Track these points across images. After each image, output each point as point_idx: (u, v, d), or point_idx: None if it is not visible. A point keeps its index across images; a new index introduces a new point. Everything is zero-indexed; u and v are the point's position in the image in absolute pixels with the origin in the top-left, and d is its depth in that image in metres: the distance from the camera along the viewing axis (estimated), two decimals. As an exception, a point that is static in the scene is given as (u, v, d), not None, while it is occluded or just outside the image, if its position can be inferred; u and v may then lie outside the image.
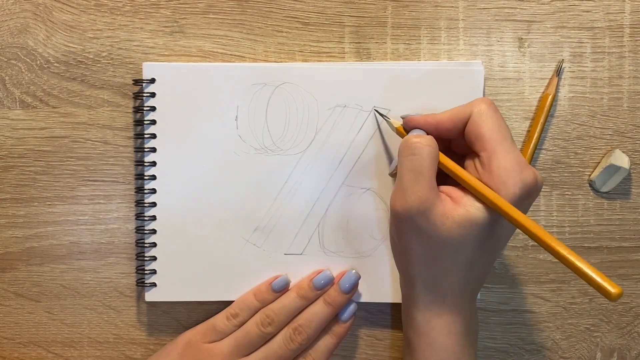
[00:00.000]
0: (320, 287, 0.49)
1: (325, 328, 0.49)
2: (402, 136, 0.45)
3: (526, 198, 0.40)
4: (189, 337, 0.49)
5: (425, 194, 0.40)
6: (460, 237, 0.40)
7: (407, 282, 0.44)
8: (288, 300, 0.49)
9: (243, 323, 0.49)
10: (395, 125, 0.46)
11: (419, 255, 0.42)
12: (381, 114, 0.48)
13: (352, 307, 0.50)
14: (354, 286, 0.49)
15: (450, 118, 0.43)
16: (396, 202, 0.41)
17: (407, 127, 0.45)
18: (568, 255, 0.36)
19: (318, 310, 0.48)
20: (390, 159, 0.49)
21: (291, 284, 0.50)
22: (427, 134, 0.43)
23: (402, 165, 0.41)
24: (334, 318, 0.50)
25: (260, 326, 0.48)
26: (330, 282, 0.49)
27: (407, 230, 0.41)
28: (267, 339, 0.48)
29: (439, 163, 0.42)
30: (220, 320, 0.49)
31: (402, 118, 0.45)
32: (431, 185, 0.40)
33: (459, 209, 0.40)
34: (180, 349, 0.49)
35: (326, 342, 0.49)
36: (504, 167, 0.39)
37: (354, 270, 0.49)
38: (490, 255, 0.43)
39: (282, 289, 0.49)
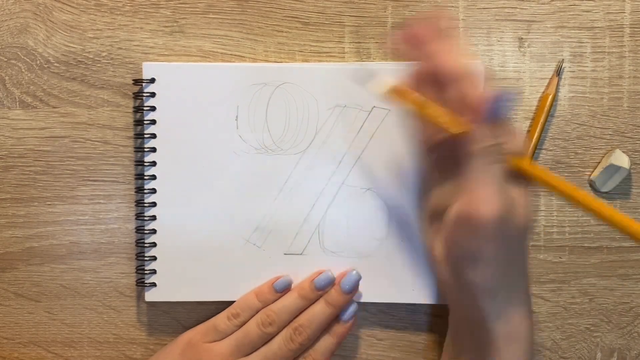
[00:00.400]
0: (321, 288, 0.49)
1: (326, 328, 0.49)
2: (392, 98, 0.43)
3: None
4: (189, 336, 0.49)
5: (509, 197, 0.40)
6: (525, 227, 0.41)
7: (484, 295, 0.42)
8: (289, 301, 0.49)
9: (244, 323, 0.49)
10: (387, 87, 0.43)
11: (501, 261, 0.40)
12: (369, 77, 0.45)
13: (353, 308, 0.50)
14: (355, 286, 0.49)
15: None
16: (484, 208, 0.38)
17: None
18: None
19: (319, 310, 0.48)
20: (390, 159, 0.49)
21: (293, 284, 0.50)
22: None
23: (487, 173, 0.39)
24: (335, 318, 0.50)
25: (261, 326, 0.48)
26: (331, 282, 0.49)
27: (493, 236, 0.39)
28: (267, 339, 0.48)
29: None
30: (221, 320, 0.49)
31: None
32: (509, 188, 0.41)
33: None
34: (180, 349, 0.49)
35: (327, 343, 0.49)
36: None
37: (355, 271, 0.49)
38: None
39: (284, 289, 0.49)
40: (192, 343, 0.49)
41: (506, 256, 0.41)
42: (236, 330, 0.49)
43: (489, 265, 0.40)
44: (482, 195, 0.39)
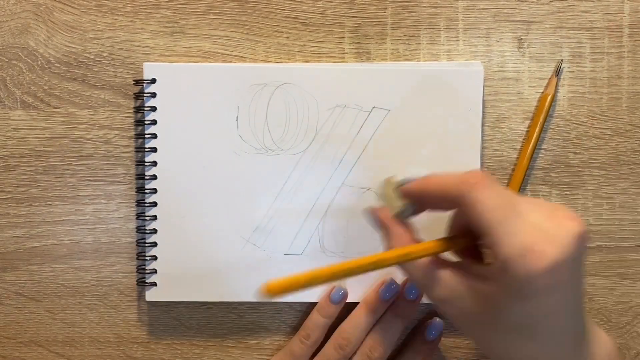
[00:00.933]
0: (387, 299, 0.49)
1: (412, 346, 0.50)
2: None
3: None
4: None
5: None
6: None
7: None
8: (358, 318, 0.49)
9: (317, 342, 0.49)
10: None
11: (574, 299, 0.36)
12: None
13: (437, 324, 0.50)
14: (420, 292, 0.49)
15: (443, 196, 0.38)
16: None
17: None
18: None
19: (387, 324, 0.49)
20: (390, 158, 0.49)
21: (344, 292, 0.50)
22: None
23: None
24: (420, 336, 0.50)
25: (339, 349, 0.48)
26: (396, 292, 0.49)
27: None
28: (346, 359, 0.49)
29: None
30: (295, 344, 0.49)
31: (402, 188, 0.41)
32: None
33: None
34: None
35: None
36: (518, 248, 0.34)
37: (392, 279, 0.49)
38: None
39: (340, 300, 0.49)
40: None
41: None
42: (311, 351, 0.49)
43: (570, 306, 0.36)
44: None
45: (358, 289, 0.50)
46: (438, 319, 0.50)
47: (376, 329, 0.49)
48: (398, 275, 0.49)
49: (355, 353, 0.49)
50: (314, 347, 0.49)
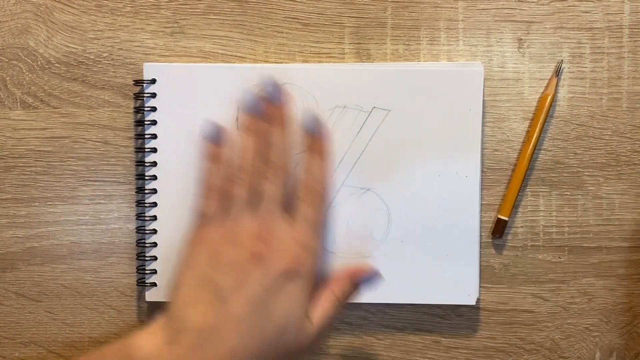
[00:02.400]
0: (262, 105, 0.45)
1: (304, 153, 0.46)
2: None
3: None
4: (195, 237, 0.44)
5: None
6: None
7: None
8: (243, 144, 0.45)
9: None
10: None
11: None
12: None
13: (313, 117, 0.47)
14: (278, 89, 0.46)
15: None
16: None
17: None
18: None
19: (277, 137, 0.45)
20: (390, 159, 0.49)
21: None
22: None
23: None
24: (306, 136, 0.47)
25: (230, 181, 0.44)
26: (275, 87, 0.46)
27: None
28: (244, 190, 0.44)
29: None
30: (203, 206, 0.45)
31: None
32: None
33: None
34: (202, 250, 0.44)
35: (315, 163, 0.46)
36: None
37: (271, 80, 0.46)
38: None
39: (217, 135, 0.46)
40: (205, 238, 0.44)
41: None
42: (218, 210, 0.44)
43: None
44: None
45: None
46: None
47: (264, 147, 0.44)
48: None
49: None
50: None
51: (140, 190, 0.50)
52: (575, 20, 0.50)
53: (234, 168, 0.44)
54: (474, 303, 0.50)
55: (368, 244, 0.50)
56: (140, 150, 0.50)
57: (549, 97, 0.49)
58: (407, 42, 0.50)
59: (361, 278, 0.46)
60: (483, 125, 0.50)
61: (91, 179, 0.51)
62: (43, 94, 0.51)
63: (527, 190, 0.51)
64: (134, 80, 0.50)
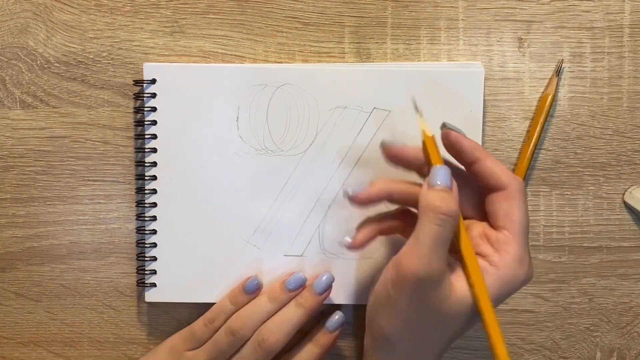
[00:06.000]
0: (292, 289, 0.48)
1: (310, 338, 0.49)
2: (430, 153, 0.41)
3: (516, 291, 0.40)
4: (171, 343, 0.49)
5: (441, 267, 0.38)
6: (457, 314, 0.39)
7: (381, 344, 0.42)
8: (258, 305, 0.48)
9: (219, 328, 0.48)
10: (428, 134, 0.41)
11: (409, 322, 0.40)
12: (417, 108, 0.42)
13: (339, 317, 0.49)
14: (328, 288, 0.48)
15: (489, 176, 0.41)
16: (408, 264, 0.38)
17: (452, 150, 0.42)
18: None
19: (289, 313, 0.47)
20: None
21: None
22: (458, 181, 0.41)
23: (424, 229, 0.38)
24: (321, 328, 0.49)
25: (230, 334, 0.47)
26: (302, 283, 0.48)
27: (409, 294, 0.39)
28: (238, 346, 0.47)
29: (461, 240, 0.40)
30: (198, 326, 0.49)
31: (446, 130, 0.42)
32: (445, 258, 0.39)
33: (464, 287, 0.39)
34: (164, 356, 0.49)
35: (309, 352, 0.49)
36: (520, 258, 0.39)
37: (328, 273, 0.48)
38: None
39: (254, 291, 0.48)
40: (174, 351, 0.49)
41: (417, 323, 0.40)
42: (211, 335, 0.48)
43: (398, 316, 0.40)
44: (412, 250, 0.38)
45: None
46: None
47: (275, 316, 0.47)
48: (307, 271, 0.49)
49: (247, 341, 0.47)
50: (216, 332, 0.48)
51: (140, 190, 0.50)
52: (575, 19, 0.50)
53: (237, 324, 0.47)
54: (474, 303, 0.50)
55: (369, 246, 0.50)
56: (140, 150, 0.50)
57: (550, 97, 0.49)
58: (407, 42, 0.50)
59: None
60: (483, 124, 0.50)
61: (91, 178, 0.51)
62: (42, 94, 0.51)
63: (528, 190, 0.51)
64: (133, 81, 0.50)
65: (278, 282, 0.48)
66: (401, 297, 0.39)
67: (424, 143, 0.41)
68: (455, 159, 0.42)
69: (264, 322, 0.47)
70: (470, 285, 0.39)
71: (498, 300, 0.39)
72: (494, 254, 0.40)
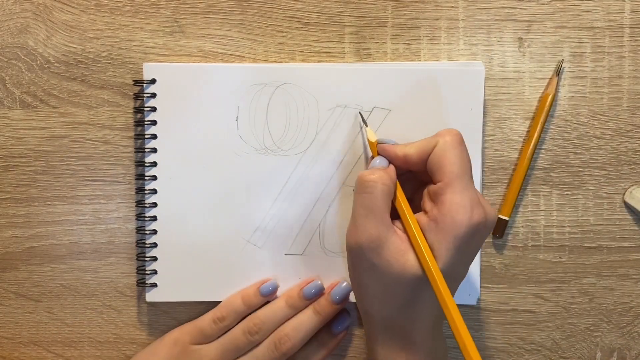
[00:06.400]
0: (310, 297, 0.48)
1: (316, 338, 0.49)
2: (373, 151, 0.46)
3: (473, 237, 0.39)
4: (175, 336, 0.50)
5: (377, 231, 0.40)
6: (403, 274, 0.40)
7: (364, 317, 0.44)
8: (276, 309, 0.48)
9: (229, 327, 0.49)
10: (372, 139, 0.46)
11: (374, 291, 0.41)
12: (364, 121, 0.48)
13: (345, 319, 0.50)
14: (345, 297, 0.49)
15: (418, 151, 0.42)
16: (349, 237, 0.41)
17: (379, 152, 0.45)
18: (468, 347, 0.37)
19: (306, 319, 0.48)
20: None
21: (282, 288, 0.50)
22: (395, 164, 0.44)
23: (355, 202, 0.41)
24: (326, 329, 0.50)
25: (247, 334, 0.48)
26: (320, 292, 0.49)
27: (360, 265, 0.41)
28: (252, 346, 0.48)
29: (397, 199, 0.42)
30: (207, 323, 0.49)
31: (378, 142, 0.46)
32: (383, 222, 0.40)
33: (407, 248, 0.40)
34: (167, 349, 0.49)
35: (315, 354, 0.49)
36: (456, 203, 0.39)
37: (345, 282, 0.49)
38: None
39: (270, 294, 0.49)
40: (178, 343, 0.49)
41: (378, 290, 0.41)
42: (220, 333, 0.49)
43: (362, 288, 0.42)
44: (351, 223, 0.42)
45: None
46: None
47: (292, 321, 0.48)
48: (327, 280, 0.49)
49: (263, 340, 0.48)
50: (225, 330, 0.49)
51: (140, 190, 0.50)
52: (576, 19, 0.50)
53: (256, 324, 0.48)
54: (474, 303, 0.50)
55: None
56: (140, 150, 0.50)
57: (550, 97, 0.49)
58: (407, 42, 0.50)
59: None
60: (484, 124, 0.50)
61: (90, 178, 0.51)
62: (42, 94, 0.51)
63: (528, 190, 0.51)
64: (133, 80, 0.50)
65: (296, 289, 0.49)
66: (356, 270, 0.42)
67: (371, 144, 0.46)
68: (408, 167, 0.44)
69: (280, 325, 0.48)
70: (414, 247, 0.40)
71: (456, 250, 0.39)
72: (433, 208, 0.40)
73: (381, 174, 0.41)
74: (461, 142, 0.41)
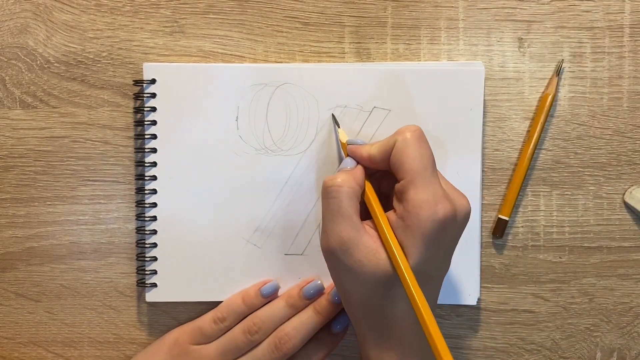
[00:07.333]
0: (310, 297, 0.49)
1: (316, 338, 0.49)
2: (344, 152, 0.46)
3: (442, 232, 0.39)
4: (175, 336, 0.50)
5: (346, 234, 0.40)
6: (374, 273, 0.40)
7: (352, 319, 0.44)
8: (276, 309, 0.48)
9: (229, 328, 0.49)
10: (343, 140, 0.47)
11: (353, 293, 0.41)
12: (337, 122, 0.48)
13: (345, 319, 0.50)
14: None
15: (379, 150, 0.42)
16: (322, 243, 0.42)
17: (348, 152, 0.45)
18: (439, 348, 0.37)
19: (306, 319, 0.48)
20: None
21: (282, 288, 0.50)
22: (363, 164, 0.44)
23: (323, 208, 0.42)
24: (325, 329, 0.49)
25: (247, 334, 0.48)
26: (320, 291, 0.49)
27: (335, 268, 0.42)
28: (253, 345, 0.48)
29: (367, 198, 0.42)
30: (207, 323, 0.49)
31: (347, 143, 0.46)
32: (352, 224, 0.40)
33: (378, 247, 0.40)
34: (167, 348, 0.49)
35: (315, 353, 0.49)
36: (418, 199, 0.39)
37: None
38: None
39: (270, 295, 0.49)
40: (178, 343, 0.49)
41: (359, 288, 0.41)
42: (220, 334, 0.49)
43: (343, 292, 0.43)
44: (322, 228, 0.42)
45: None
46: (345, 313, 0.48)
47: (292, 320, 0.48)
48: (327, 280, 0.49)
49: (263, 340, 0.48)
50: (225, 330, 0.49)
51: (140, 190, 0.50)
52: (575, 19, 0.50)
53: (256, 324, 0.48)
54: (474, 303, 0.50)
55: None
56: (140, 150, 0.50)
57: (550, 97, 0.49)
58: (407, 42, 0.50)
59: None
60: (484, 124, 0.50)
61: (91, 178, 0.51)
62: (42, 94, 0.51)
63: (528, 190, 0.51)
64: (133, 81, 0.50)
65: (296, 289, 0.49)
66: (334, 275, 0.42)
67: (342, 145, 0.47)
68: (374, 167, 0.44)
69: (281, 325, 0.48)
70: (383, 244, 0.40)
71: (426, 247, 0.39)
72: (399, 206, 0.40)
73: (344, 177, 0.42)
74: (420, 138, 0.41)
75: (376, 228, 0.41)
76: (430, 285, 0.41)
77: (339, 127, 0.48)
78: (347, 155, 0.45)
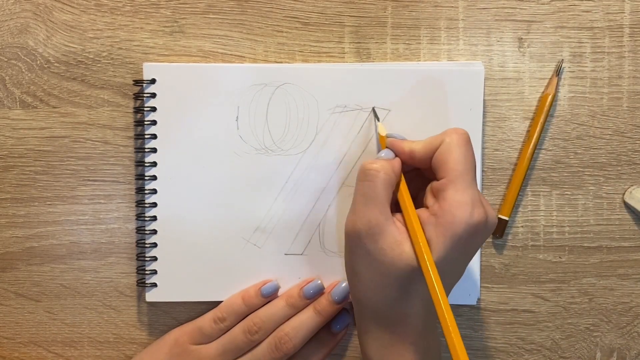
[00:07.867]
0: (310, 297, 0.49)
1: (316, 337, 0.49)
2: (382, 145, 0.46)
3: (472, 236, 0.39)
4: (175, 336, 0.50)
5: (375, 219, 0.40)
6: (398, 264, 0.39)
7: (356, 307, 0.44)
8: (276, 309, 0.48)
9: (229, 328, 0.49)
10: (382, 133, 0.47)
11: (367, 279, 0.41)
12: (377, 116, 0.48)
13: (345, 318, 0.50)
14: (345, 297, 0.48)
15: (424, 147, 0.42)
16: (348, 223, 0.42)
17: (387, 145, 0.45)
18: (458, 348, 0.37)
19: (306, 319, 0.48)
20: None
21: (282, 288, 0.50)
22: (401, 159, 0.43)
23: (356, 189, 0.42)
24: (325, 328, 0.50)
25: (247, 333, 0.48)
26: (320, 291, 0.49)
27: (356, 252, 0.41)
28: (253, 345, 0.48)
29: (399, 191, 0.42)
30: (207, 323, 0.49)
31: (387, 136, 0.46)
32: (382, 211, 0.40)
33: (405, 240, 0.40)
34: (168, 348, 0.49)
35: (315, 353, 0.50)
36: (457, 200, 0.39)
37: (345, 282, 0.49)
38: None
39: (271, 294, 0.49)
40: (178, 343, 0.49)
41: (376, 276, 0.40)
42: (220, 334, 0.49)
43: (356, 276, 0.42)
44: (350, 209, 0.42)
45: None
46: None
47: (292, 320, 0.48)
48: (327, 280, 0.49)
49: (263, 340, 0.48)
50: (225, 330, 0.49)
51: (140, 190, 0.50)
52: (575, 19, 0.50)
53: (256, 324, 0.48)
54: (474, 303, 0.50)
55: None
56: (140, 150, 0.50)
57: (550, 97, 0.49)
58: (407, 42, 0.50)
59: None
60: (483, 124, 0.50)
61: (91, 178, 0.51)
62: (42, 94, 0.51)
63: (528, 190, 0.51)
64: (133, 80, 0.50)
65: (296, 289, 0.49)
66: (352, 257, 0.42)
67: (381, 138, 0.47)
68: (413, 163, 0.44)
69: (281, 324, 0.48)
70: (411, 238, 0.40)
71: (453, 246, 0.39)
72: (435, 203, 0.40)
73: (383, 164, 0.41)
74: (467, 142, 0.41)
75: (404, 223, 0.41)
76: (445, 285, 0.41)
77: (378, 120, 0.48)
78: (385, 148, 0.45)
